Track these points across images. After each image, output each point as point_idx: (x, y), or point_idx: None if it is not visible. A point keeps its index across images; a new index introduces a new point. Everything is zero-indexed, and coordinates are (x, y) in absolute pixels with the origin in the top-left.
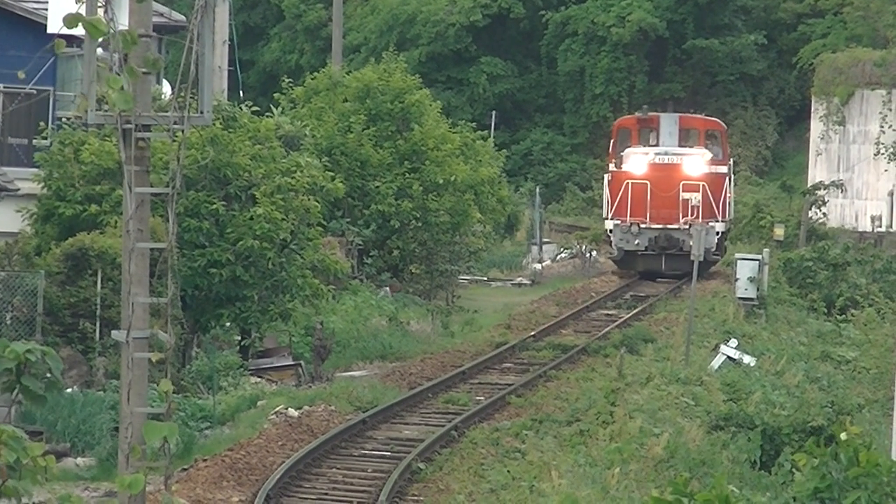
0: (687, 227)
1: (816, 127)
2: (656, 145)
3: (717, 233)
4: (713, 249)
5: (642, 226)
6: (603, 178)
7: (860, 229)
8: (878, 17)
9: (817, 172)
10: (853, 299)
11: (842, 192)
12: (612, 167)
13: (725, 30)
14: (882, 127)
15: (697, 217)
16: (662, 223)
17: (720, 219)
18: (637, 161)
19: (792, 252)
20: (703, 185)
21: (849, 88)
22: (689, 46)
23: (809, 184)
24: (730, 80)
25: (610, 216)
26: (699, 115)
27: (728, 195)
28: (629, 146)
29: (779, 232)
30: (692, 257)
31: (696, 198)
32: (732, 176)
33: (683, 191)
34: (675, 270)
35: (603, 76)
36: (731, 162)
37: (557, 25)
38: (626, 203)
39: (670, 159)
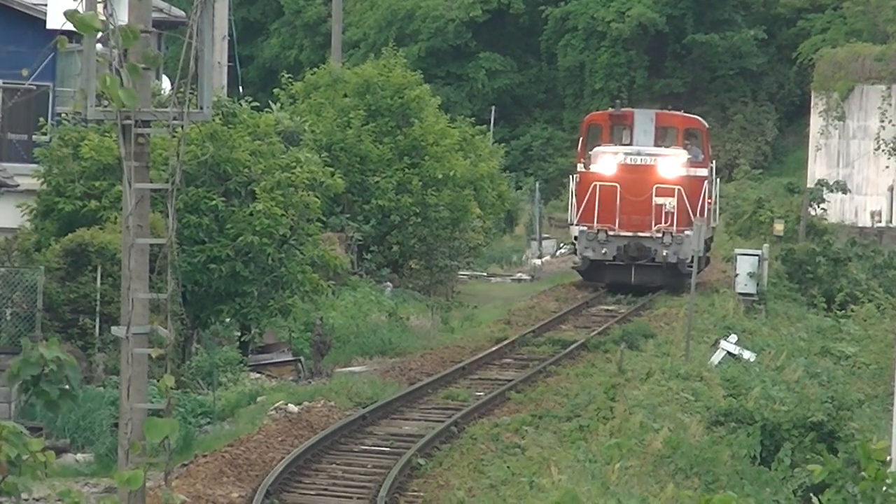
0: (660, 235)
1: (816, 122)
2: (630, 144)
3: None
4: (688, 260)
5: (610, 233)
6: (570, 179)
7: (860, 225)
8: (878, 11)
9: (817, 168)
10: (853, 295)
11: (844, 193)
12: (580, 167)
13: (725, 25)
14: (882, 122)
15: (672, 224)
16: (633, 230)
17: None
18: (606, 161)
19: (795, 245)
20: (679, 190)
21: (848, 83)
22: (688, 41)
23: (809, 179)
24: (729, 75)
25: (575, 222)
26: (678, 113)
27: (708, 200)
28: (600, 144)
29: (779, 227)
30: (691, 252)
31: (670, 203)
32: (714, 179)
33: (657, 195)
34: (645, 283)
35: (603, 71)
36: (713, 164)
37: (557, 21)
38: (592, 207)
39: (643, 160)
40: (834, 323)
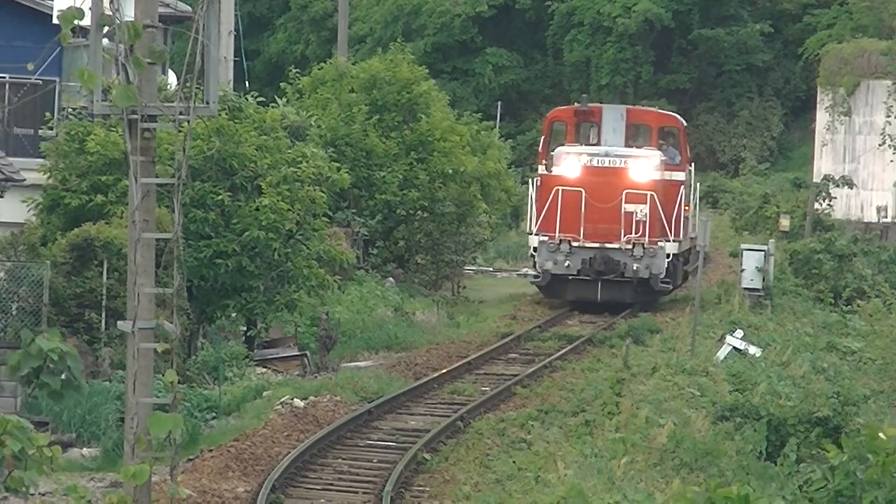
0: (630, 246)
1: (822, 117)
2: (597, 144)
3: (668, 255)
4: (662, 275)
5: (574, 244)
6: (529, 183)
7: (866, 220)
8: (884, 7)
9: (823, 163)
10: (859, 290)
11: (850, 188)
12: (541, 169)
13: (731, 20)
14: (888, 117)
15: (643, 235)
16: (599, 241)
17: (673, 238)
18: (570, 163)
19: (798, 243)
20: (652, 196)
21: (854, 79)
22: (694, 37)
23: (815, 174)
24: (735, 70)
25: (535, 231)
26: (652, 109)
27: (685, 208)
28: (564, 144)
29: (785, 223)
30: (698, 247)
31: (642, 210)
32: (693, 184)
33: (626, 201)
34: (613, 300)
35: (608, 67)
36: (692, 167)
37: (563, 16)
38: (554, 215)
39: (612, 162)
40: (840, 318)
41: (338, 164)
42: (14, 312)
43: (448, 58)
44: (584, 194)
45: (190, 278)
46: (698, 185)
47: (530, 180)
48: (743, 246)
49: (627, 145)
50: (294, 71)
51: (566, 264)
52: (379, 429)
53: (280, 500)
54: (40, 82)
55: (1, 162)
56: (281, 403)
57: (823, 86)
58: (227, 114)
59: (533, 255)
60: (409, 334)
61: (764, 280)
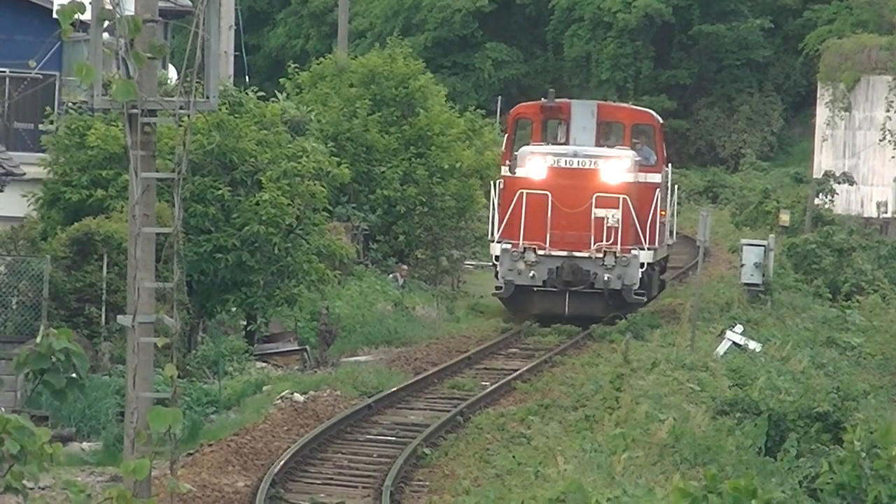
0: (601, 255)
1: (822, 113)
2: (566, 143)
3: (643, 264)
4: (635, 286)
5: (540, 252)
6: (492, 186)
7: (866, 215)
8: (884, 2)
9: (823, 158)
10: (858, 285)
11: (851, 185)
12: (504, 171)
13: (731, 15)
14: (888, 112)
15: (615, 242)
16: (567, 249)
17: (647, 245)
18: (535, 164)
19: (797, 237)
20: (625, 199)
21: (855, 74)
22: (695, 32)
23: (815, 169)
24: (736, 65)
25: (497, 238)
26: (625, 105)
27: (661, 213)
28: (529, 143)
29: (785, 218)
30: (698, 242)
31: (613, 215)
32: (671, 186)
33: (597, 206)
34: (582, 313)
35: (609, 62)
36: (669, 168)
37: (563, 11)
38: (518, 220)
39: (581, 163)
40: (839, 313)
41: (338, 159)
42: (14, 307)
43: (448, 52)
44: (550, 198)
45: (190, 273)
46: (676, 187)
47: (492, 182)
48: (743, 241)
49: (598, 144)
50: (293, 66)
51: (531, 274)
52: (379, 423)
53: (280, 494)
54: (40, 77)
55: (1, 156)
56: (281, 398)
57: (824, 81)
58: (227, 108)
59: (495, 265)
60: (409, 329)
61: (764, 275)
